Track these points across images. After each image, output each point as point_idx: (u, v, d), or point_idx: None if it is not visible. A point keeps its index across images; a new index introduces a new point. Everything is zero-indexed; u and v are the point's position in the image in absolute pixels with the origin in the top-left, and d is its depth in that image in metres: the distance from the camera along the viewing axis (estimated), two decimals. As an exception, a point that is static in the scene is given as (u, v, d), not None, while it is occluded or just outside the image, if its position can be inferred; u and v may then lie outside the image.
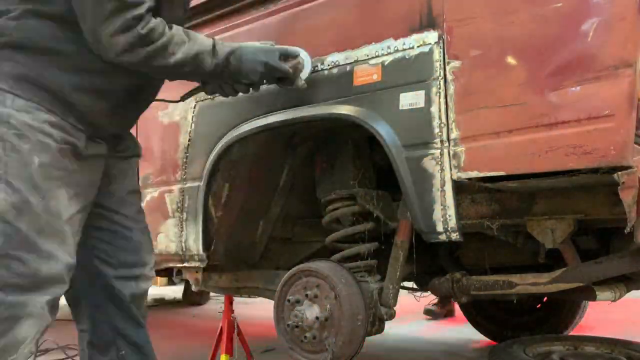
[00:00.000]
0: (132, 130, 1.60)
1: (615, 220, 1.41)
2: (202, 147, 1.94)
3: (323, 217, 1.93)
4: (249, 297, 2.30)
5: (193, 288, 2.20)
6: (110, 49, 1.24)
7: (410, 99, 1.49)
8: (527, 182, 1.36)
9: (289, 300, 1.74)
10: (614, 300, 1.67)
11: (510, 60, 1.32)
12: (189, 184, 1.99)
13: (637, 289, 1.77)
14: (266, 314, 2.42)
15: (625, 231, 1.23)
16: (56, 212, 1.25)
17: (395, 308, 1.77)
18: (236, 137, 1.83)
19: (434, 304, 3.77)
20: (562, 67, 1.26)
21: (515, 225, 1.60)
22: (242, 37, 1.86)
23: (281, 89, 1.67)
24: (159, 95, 1.58)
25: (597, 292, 1.64)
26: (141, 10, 1.23)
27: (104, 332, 1.51)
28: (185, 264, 2.04)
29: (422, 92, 1.47)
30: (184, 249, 2.00)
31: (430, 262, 2.12)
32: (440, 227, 1.47)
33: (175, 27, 1.35)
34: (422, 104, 1.46)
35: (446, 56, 1.43)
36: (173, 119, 2.08)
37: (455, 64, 1.42)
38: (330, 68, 1.66)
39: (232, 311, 2.29)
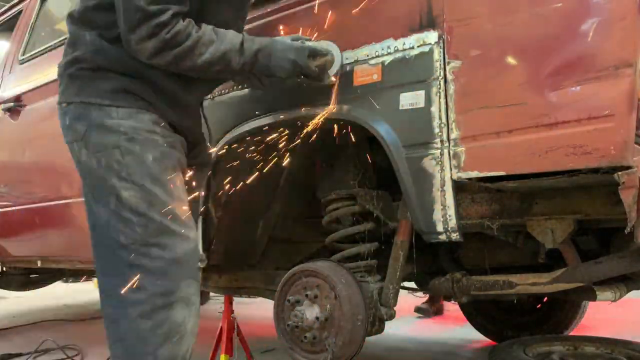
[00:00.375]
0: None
1: (615, 220, 1.41)
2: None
3: (323, 217, 1.93)
4: (249, 297, 2.30)
5: (193, 288, 2.20)
6: (140, 53, 1.36)
7: (410, 99, 1.49)
8: (527, 182, 1.36)
9: (289, 301, 1.73)
10: (614, 300, 1.66)
11: (510, 60, 1.32)
12: (188, 184, 1.98)
13: (637, 289, 1.77)
14: (266, 314, 2.42)
15: (625, 231, 1.23)
16: (178, 197, 1.42)
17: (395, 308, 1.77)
18: (236, 137, 1.83)
19: (424, 302, 3.83)
20: (562, 67, 1.25)
21: (515, 225, 1.60)
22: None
23: (284, 88, 1.67)
24: None
25: (597, 292, 1.63)
26: (165, 17, 1.32)
27: None
28: (185, 264, 2.03)
29: (422, 92, 1.47)
30: (184, 249, 1.99)
31: (430, 262, 2.12)
32: (440, 227, 1.47)
33: (204, 26, 1.41)
34: (422, 104, 1.46)
35: (446, 56, 1.43)
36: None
37: (455, 64, 1.41)
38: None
39: (232, 311, 2.28)
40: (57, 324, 3.87)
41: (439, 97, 1.43)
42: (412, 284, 2.25)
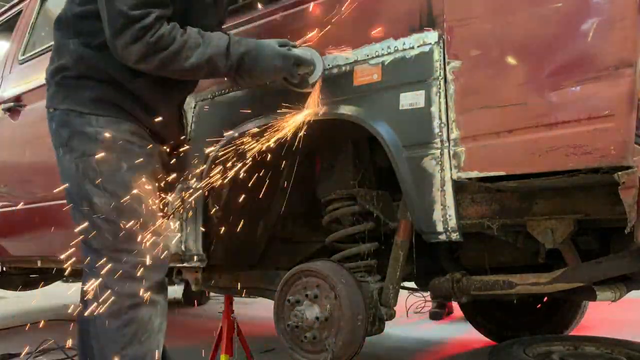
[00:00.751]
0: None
1: (615, 220, 1.41)
2: (202, 147, 1.94)
3: (323, 217, 1.93)
4: (249, 297, 2.30)
5: (193, 288, 2.20)
6: (127, 59, 1.38)
7: (410, 99, 1.49)
8: (527, 182, 1.36)
9: (289, 301, 1.73)
10: (614, 300, 1.66)
11: (510, 60, 1.32)
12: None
13: (637, 289, 1.77)
14: (266, 314, 2.42)
15: (626, 231, 1.23)
16: (149, 205, 1.47)
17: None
18: (236, 137, 1.82)
19: (435, 307, 3.81)
20: (562, 67, 1.25)
21: (515, 225, 1.60)
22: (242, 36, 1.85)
23: (284, 88, 1.67)
24: None
25: (597, 292, 1.63)
26: (148, 20, 1.34)
27: None
28: (185, 264, 2.03)
29: (422, 92, 1.47)
30: (183, 249, 2.00)
31: (430, 262, 2.12)
32: (440, 227, 1.47)
33: (189, 29, 1.43)
34: (422, 104, 1.46)
35: (446, 56, 1.43)
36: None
37: (455, 64, 1.41)
38: (331, 68, 1.66)
39: (232, 311, 2.28)
40: (57, 324, 3.86)
41: (439, 97, 1.43)
42: (412, 284, 2.25)
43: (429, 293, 1.99)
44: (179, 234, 1.98)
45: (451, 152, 1.41)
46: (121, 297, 1.41)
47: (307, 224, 2.24)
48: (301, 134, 1.60)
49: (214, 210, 1.94)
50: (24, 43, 3.14)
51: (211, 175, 1.74)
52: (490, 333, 2.80)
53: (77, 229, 1.49)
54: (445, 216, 1.45)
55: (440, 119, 1.43)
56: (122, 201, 1.42)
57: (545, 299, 2.60)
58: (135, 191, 1.44)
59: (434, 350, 2.92)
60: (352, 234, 1.84)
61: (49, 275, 4.32)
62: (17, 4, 3.46)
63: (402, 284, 1.92)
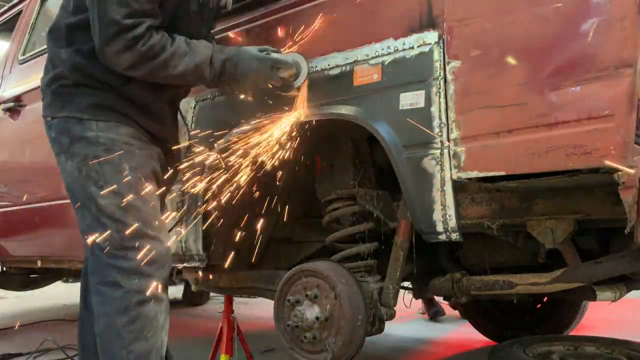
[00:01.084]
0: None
1: (615, 220, 1.41)
2: (201, 147, 1.94)
3: (323, 217, 1.93)
4: (249, 297, 2.30)
5: (193, 288, 2.20)
6: (116, 65, 1.43)
7: (410, 99, 1.49)
8: (527, 182, 1.36)
9: (289, 300, 1.73)
10: (614, 300, 1.66)
11: (510, 60, 1.32)
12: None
13: (637, 289, 1.77)
14: (266, 314, 2.42)
15: (625, 231, 1.23)
16: (151, 203, 1.51)
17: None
18: (236, 136, 1.82)
19: (433, 307, 3.79)
20: (562, 67, 1.25)
21: (515, 225, 1.60)
22: (242, 37, 1.86)
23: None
24: None
25: (597, 292, 1.63)
26: (140, 30, 1.39)
27: None
28: (185, 264, 2.03)
29: (422, 92, 1.47)
30: (183, 249, 2.00)
31: (430, 262, 2.12)
32: (440, 227, 1.47)
33: (178, 38, 1.49)
34: (422, 104, 1.46)
35: (446, 56, 1.43)
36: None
37: (455, 64, 1.41)
38: (331, 68, 1.66)
39: (232, 311, 2.28)
40: (57, 324, 3.87)
41: (439, 97, 1.43)
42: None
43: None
44: (179, 234, 1.98)
45: (451, 152, 1.41)
46: (129, 293, 1.43)
47: (307, 224, 2.24)
48: (294, 134, 1.61)
49: (213, 210, 1.93)
50: (24, 43, 3.14)
51: (211, 175, 1.74)
52: (490, 333, 2.80)
53: (83, 230, 1.51)
54: (445, 216, 1.45)
55: (440, 119, 1.43)
56: (126, 200, 1.45)
57: (545, 299, 2.60)
58: (138, 190, 1.48)
59: (434, 350, 2.92)
60: (352, 234, 1.84)
61: (49, 275, 4.33)
62: (17, 4, 3.46)
63: (402, 284, 1.92)
